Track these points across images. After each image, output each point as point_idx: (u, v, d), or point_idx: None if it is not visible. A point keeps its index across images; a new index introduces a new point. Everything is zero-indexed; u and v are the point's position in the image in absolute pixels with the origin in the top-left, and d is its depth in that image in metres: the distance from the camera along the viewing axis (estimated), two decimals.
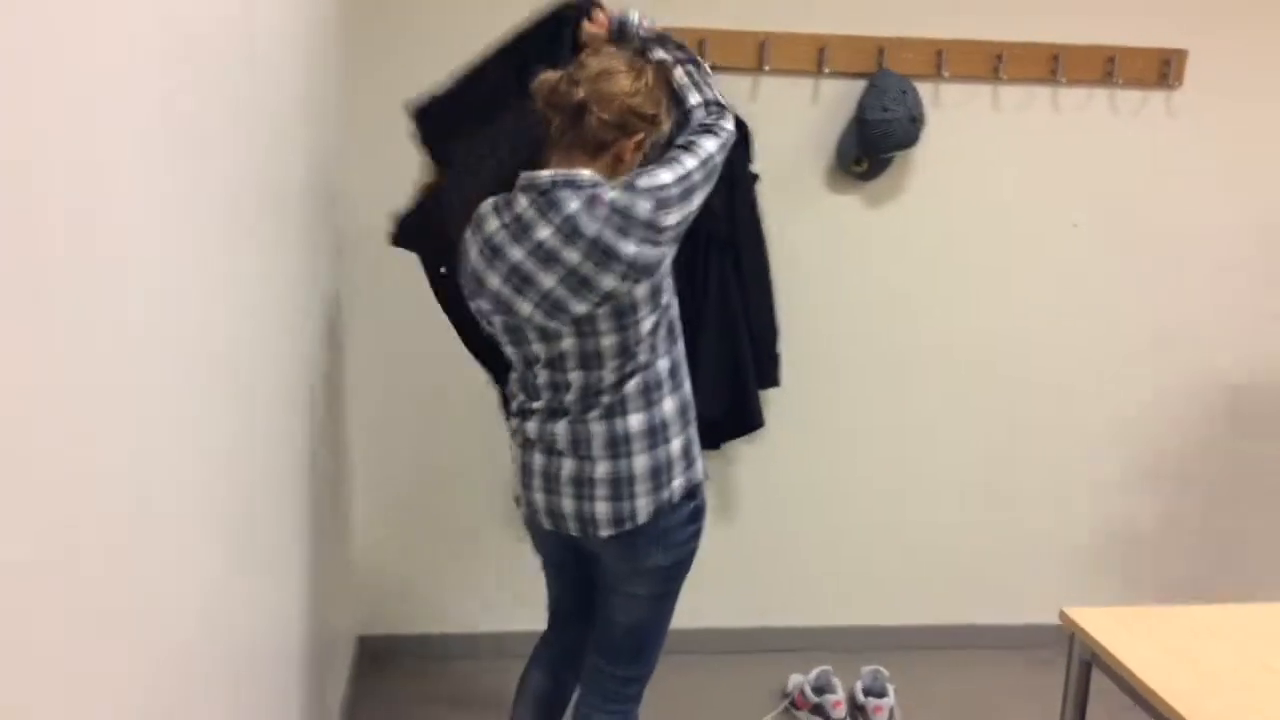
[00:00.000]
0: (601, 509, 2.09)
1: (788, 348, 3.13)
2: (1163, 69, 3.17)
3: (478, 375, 3.12)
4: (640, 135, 2.02)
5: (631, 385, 2.03)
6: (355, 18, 2.89)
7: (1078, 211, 3.25)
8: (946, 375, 3.32)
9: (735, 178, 2.93)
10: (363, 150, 2.96)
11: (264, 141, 1.81)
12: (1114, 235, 3.28)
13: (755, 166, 3.01)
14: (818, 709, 3.04)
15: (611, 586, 2.22)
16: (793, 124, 3.08)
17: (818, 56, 3.04)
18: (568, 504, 2.13)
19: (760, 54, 3.01)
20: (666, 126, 2.08)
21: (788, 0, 3.01)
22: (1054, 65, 3.12)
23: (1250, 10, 3.20)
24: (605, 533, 2.11)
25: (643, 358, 2.03)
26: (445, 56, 2.50)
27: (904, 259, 3.22)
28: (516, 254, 1.99)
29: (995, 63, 3.10)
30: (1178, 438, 3.44)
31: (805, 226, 3.16)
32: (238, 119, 1.62)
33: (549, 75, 2.03)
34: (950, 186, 3.18)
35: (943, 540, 3.44)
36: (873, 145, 3.01)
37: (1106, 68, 3.14)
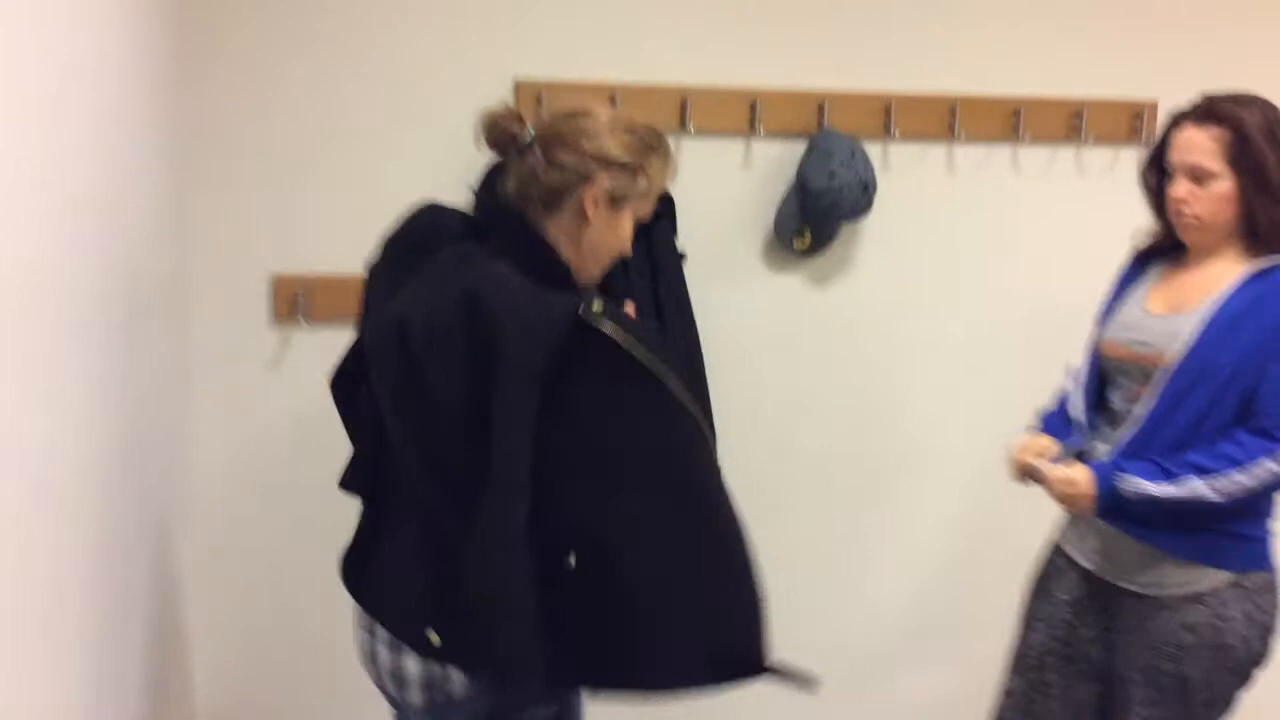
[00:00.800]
0: (411, 665, 1.66)
1: (727, 457, 2.65)
2: (1133, 123, 2.81)
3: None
4: (603, 183, 1.63)
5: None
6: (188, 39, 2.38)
7: (1044, 283, 2.86)
8: (918, 479, 2.88)
9: (659, 258, 2.48)
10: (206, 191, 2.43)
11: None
12: (1087, 306, 2.88)
13: (681, 243, 2.56)
14: None
15: None
16: (722, 193, 2.65)
17: (749, 114, 2.61)
18: (382, 651, 1.71)
19: (682, 112, 2.57)
20: (644, 185, 1.68)
21: (712, 50, 2.59)
22: (1015, 121, 2.74)
23: (1221, 57, 2.86)
24: (417, 699, 1.67)
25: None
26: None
27: (858, 345, 2.79)
28: None
29: (950, 119, 2.71)
30: None
31: (742, 311, 2.71)
32: None
33: (493, 109, 1.72)
34: (904, 258, 2.76)
35: (915, 672, 2.98)
36: (819, 216, 2.58)
37: (1073, 123, 2.77)
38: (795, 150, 2.62)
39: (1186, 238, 2.04)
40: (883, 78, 2.66)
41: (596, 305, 1.50)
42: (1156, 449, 1.95)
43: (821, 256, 2.71)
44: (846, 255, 2.74)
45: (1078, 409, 2.14)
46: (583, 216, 1.64)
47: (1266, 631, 2.02)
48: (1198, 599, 1.98)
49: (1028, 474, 2.09)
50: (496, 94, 2.48)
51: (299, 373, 2.49)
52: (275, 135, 2.43)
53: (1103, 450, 2.05)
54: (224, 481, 2.53)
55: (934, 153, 2.73)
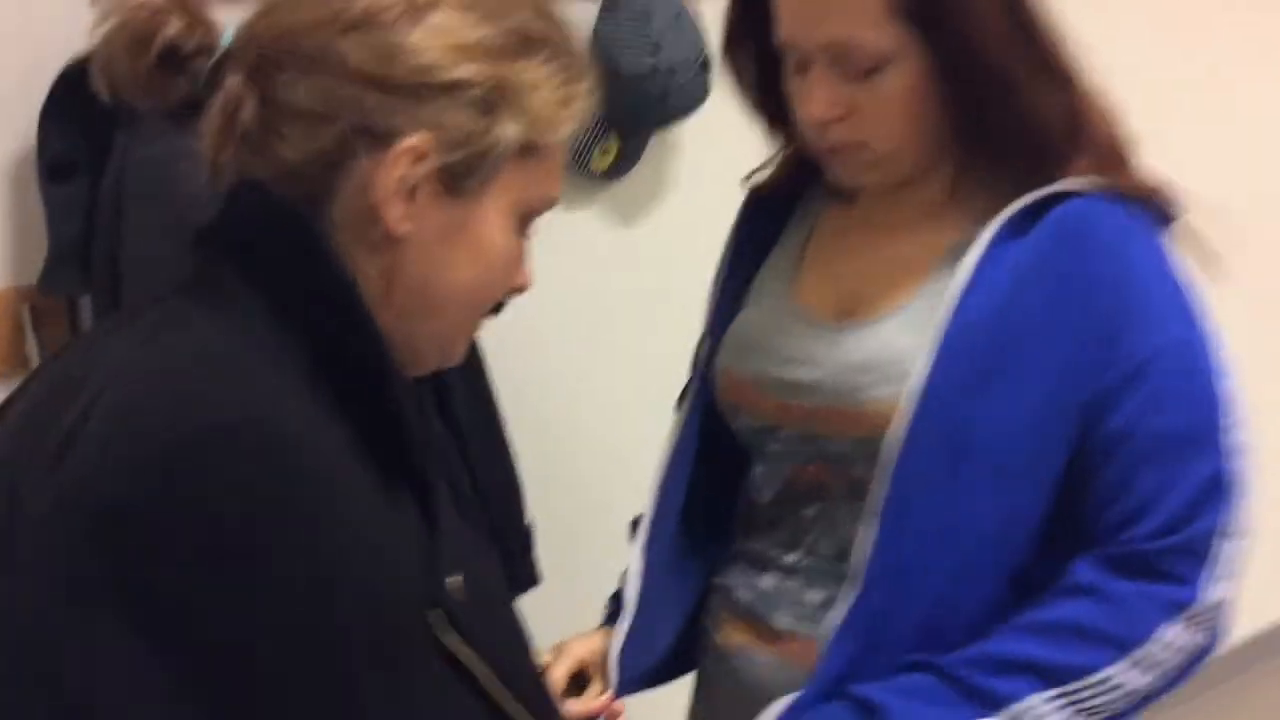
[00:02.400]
0: None
1: (541, 508, 1.71)
2: None
3: None
4: (413, 147, 0.73)
5: None
6: None
7: None
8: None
9: None
10: None
11: None
12: None
13: None
14: None
15: None
16: None
17: None
18: None
19: None
20: (522, 127, 0.76)
21: None
22: None
23: None
24: None
25: None
26: None
27: (689, 300, 1.91)
28: None
29: None
30: None
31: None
32: None
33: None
34: (742, 169, 1.90)
35: None
36: (636, 116, 1.67)
37: None
38: (583, 14, 1.68)
39: (849, 178, 1.03)
40: None
41: (457, 582, 0.75)
42: (898, 637, 0.95)
43: (627, 178, 1.80)
44: (661, 173, 1.85)
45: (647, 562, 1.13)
46: (380, 232, 0.75)
47: None
48: None
49: None
50: None
51: None
52: None
53: (737, 641, 1.06)
54: None
55: None
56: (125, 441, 0.63)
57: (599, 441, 1.89)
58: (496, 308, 0.80)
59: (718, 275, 1.17)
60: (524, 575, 1.66)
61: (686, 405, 1.16)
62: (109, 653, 0.59)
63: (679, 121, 1.75)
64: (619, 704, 1.02)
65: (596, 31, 1.65)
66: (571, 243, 1.80)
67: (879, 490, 0.94)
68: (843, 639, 0.95)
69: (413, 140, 0.71)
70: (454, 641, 0.72)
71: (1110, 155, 0.99)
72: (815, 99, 0.96)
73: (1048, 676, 0.90)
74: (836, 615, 0.95)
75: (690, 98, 1.68)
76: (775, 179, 1.14)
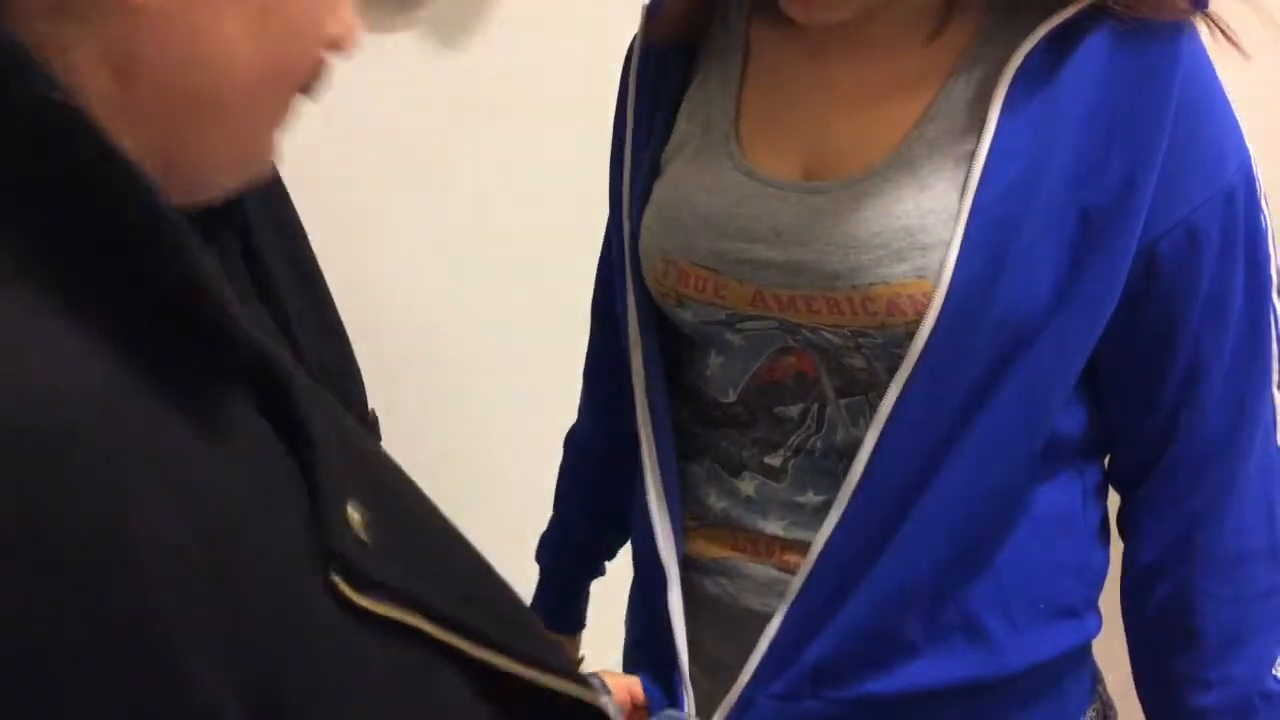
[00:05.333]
0: None
1: (377, 396, 1.44)
2: None
3: None
4: None
5: None
6: None
7: None
8: None
9: None
10: None
11: None
12: None
13: None
14: None
15: None
16: None
17: None
18: None
19: None
20: None
21: None
22: None
23: None
24: None
25: None
26: None
27: (522, 143, 1.62)
28: None
29: None
30: None
31: (330, 105, 1.40)
32: None
33: None
34: None
35: None
36: None
37: None
38: None
39: (821, 14, 0.82)
40: None
41: (355, 514, 0.48)
42: (909, 547, 0.83)
43: None
44: None
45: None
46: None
47: None
48: None
49: None
50: None
51: None
52: None
53: (712, 554, 0.92)
54: None
55: None
56: None
57: (434, 306, 1.62)
58: (310, 84, 0.51)
59: (619, 143, 0.94)
60: None
61: (633, 322, 0.92)
62: None
63: None
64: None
65: None
66: (388, 76, 1.48)
67: (895, 383, 0.81)
68: (837, 548, 0.83)
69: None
70: (371, 601, 0.48)
71: None
72: None
73: None
74: (829, 521, 0.83)
75: None
76: (676, 23, 0.90)
